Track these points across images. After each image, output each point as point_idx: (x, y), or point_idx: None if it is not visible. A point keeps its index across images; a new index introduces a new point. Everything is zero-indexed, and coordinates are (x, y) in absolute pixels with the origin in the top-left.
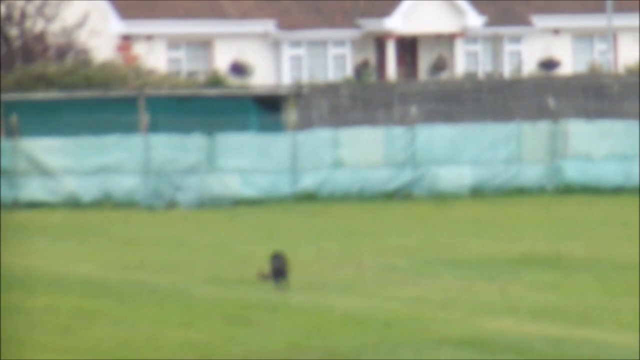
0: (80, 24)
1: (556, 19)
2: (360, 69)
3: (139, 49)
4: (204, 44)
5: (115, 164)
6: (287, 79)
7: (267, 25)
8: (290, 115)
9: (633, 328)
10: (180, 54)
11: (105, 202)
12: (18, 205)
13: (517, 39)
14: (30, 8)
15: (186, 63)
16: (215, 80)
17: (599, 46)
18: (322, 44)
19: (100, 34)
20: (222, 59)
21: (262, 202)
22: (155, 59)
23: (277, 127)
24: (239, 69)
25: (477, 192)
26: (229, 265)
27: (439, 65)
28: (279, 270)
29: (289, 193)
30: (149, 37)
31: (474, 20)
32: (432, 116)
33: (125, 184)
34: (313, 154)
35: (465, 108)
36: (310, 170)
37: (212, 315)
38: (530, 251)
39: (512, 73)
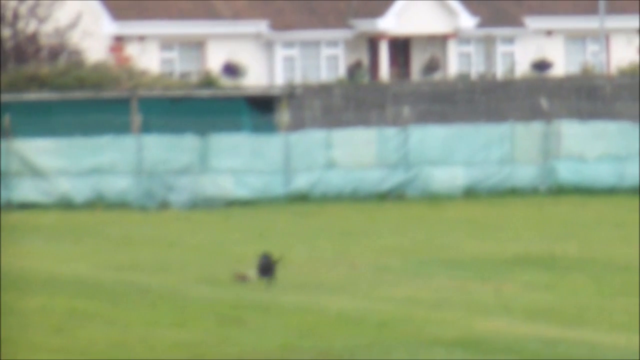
0: (73, 24)
1: (549, 20)
2: (353, 70)
3: (131, 50)
4: (197, 45)
5: (108, 164)
6: (279, 79)
7: (260, 26)
8: (283, 115)
9: (627, 328)
10: (173, 54)
11: (98, 203)
12: (11, 206)
13: (509, 40)
14: (23, 9)
15: (179, 64)
16: (208, 81)
17: (592, 47)
18: (315, 44)
19: (93, 35)
20: (214, 60)
21: (255, 202)
22: (148, 59)
23: (270, 127)
24: (231, 69)
25: (471, 193)
26: (222, 265)
27: (432, 66)
28: (265, 267)
29: (282, 193)
30: (142, 38)
31: (467, 21)
32: (425, 117)
33: (118, 184)
34: (306, 154)
35: (458, 109)
36: (303, 170)
37: (205, 315)
38: (523, 251)
39: (505, 74)
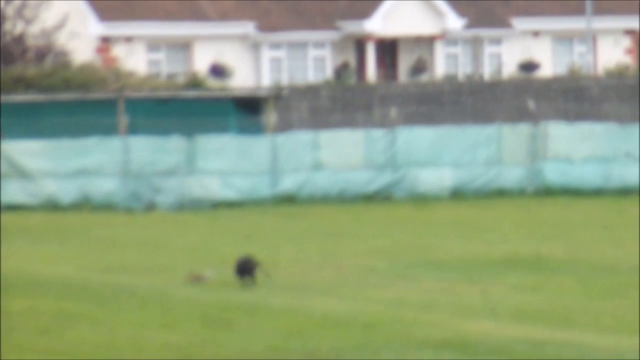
0: (60, 25)
1: (536, 21)
2: (340, 71)
3: (118, 51)
4: (184, 46)
5: (94, 166)
6: (266, 80)
7: (247, 27)
8: (270, 117)
9: (614, 330)
10: (160, 55)
11: (85, 205)
12: None
13: (497, 41)
14: (10, 10)
15: (166, 65)
16: (194, 82)
17: (579, 48)
18: (302, 45)
19: (80, 36)
20: (201, 61)
21: (241, 204)
22: (135, 60)
23: (256, 129)
24: (218, 70)
25: (458, 194)
26: (209, 267)
27: (419, 67)
28: (242, 268)
29: (268, 195)
30: (129, 39)
31: (454, 22)
32: (412, 118)
33: (105, 186)
34: (293, 155)
35: (446, 110)
36: (290, 172)
37: (192, 317)
38: (511, 253)
39: (492, 75)
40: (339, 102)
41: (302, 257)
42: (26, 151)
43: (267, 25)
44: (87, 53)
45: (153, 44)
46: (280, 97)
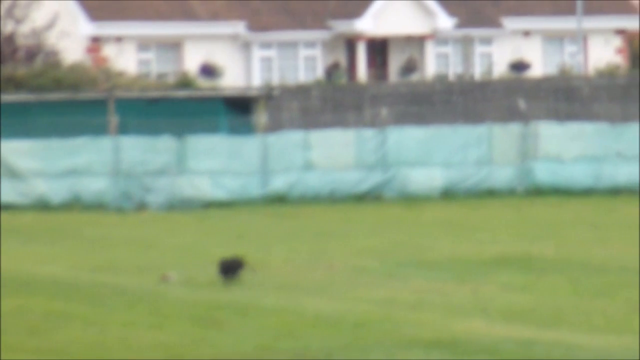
0: (50, 25)
1: (526, 21)
2: (331, 71)
3: (108, 51)
4: (174, 46)
5: (84, 166)
6: (257, 80)
7: (237, 27)
8: (261, 117)
9: (603, 329)
10: (150, 55)
11: (75, 204)
12: None
13: (487, 41)
14: None
15: (156, 65)
16: (185, 82)
17: (569, 48)
18: (293, 45)
19: (70, 36)
20: (192, 61)
21: (232, 204)
22: (125, 60)
23: (247, 129)
24: (209, 70)
25: (448, 194)
26: (199, 267)
27: (410, 67)
28: (225, 267)
29: (259, 195)
30: (119, 39)
31: (445, 22)
32: (402, 118)
33: (95, 186)
34: (283, 155)
35: (436, 110)
36: (280, 172)
37: (182, 317)
38: (501, 253)
39: (483, 75)
40: (330, 102)
41: (293, 257)
42: (16, 151)
43: (257, 25)
44: (77, 53)
45: (143, 44)
46: (270, 97)
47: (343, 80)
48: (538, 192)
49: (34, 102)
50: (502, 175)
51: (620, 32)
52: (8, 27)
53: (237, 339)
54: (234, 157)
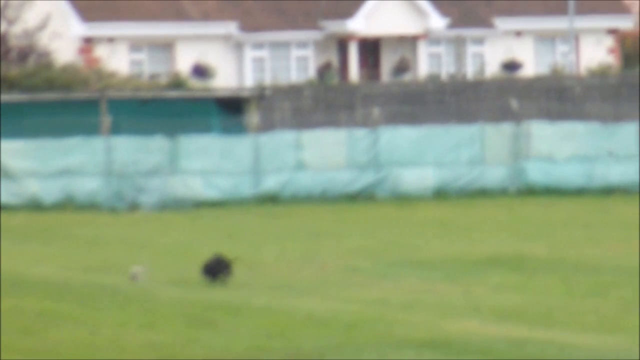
0: (42, 26)
1: (518, 21)
2: (323, 71)
3: (100, 51)
4: (166, 46)
5: (77, 166)
6: (249, 80)
7: (229, 27)
8: (253, 117)
9: (596, 329)
10: (142, 56)
11: (68, 204)
12: None
13: (479, 41)
14: None
15: (148, 65)
16: (177, 83)
17: (561, 48)
18: (285, 45)
19: (62, 36)
20: (184, 61)
21: (224, 203)
22: (117, 61)
23: (239, 129)
24: (201, 71)
25: (440, 194)
26: (192, 267)
27: (402, 67)
28: (209, 268)
29: (251, 195)
30: (111, 40)
31: (437, 22)
32: (395, 118)
33: (87, 186)
34: (275, 155)
35: (428, 110)
36: (272, 172)
37: (174, 317)
38: (493, 252)
39: (475, 75)
40: (322, 102)
41: (285, 257)
42: (9, 151)
43: (249, 25)
44: (70, 53)
45: (135, 45)
46: (262, 97)
47: (335, 80)
48: (530, 191)
49: (26, 103)
50: (495, 175)
51: (612, 31)
52: (0, 27)
53: (230, 339)
54: (226, 157)
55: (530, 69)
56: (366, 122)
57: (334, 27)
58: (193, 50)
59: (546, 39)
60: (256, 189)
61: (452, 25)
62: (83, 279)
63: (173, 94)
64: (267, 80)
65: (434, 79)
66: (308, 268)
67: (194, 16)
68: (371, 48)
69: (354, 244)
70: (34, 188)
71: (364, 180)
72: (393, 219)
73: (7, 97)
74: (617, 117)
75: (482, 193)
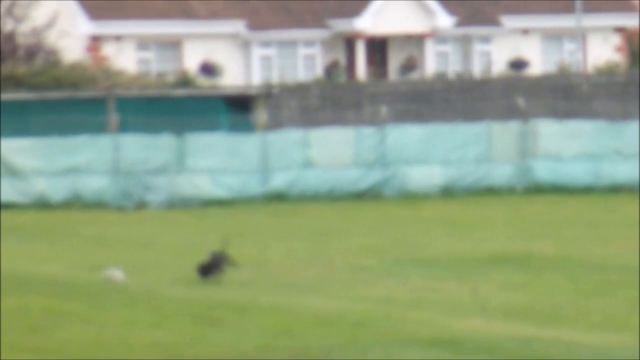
0: (50, 24)
1: (525, 20)
2: (330, 69)
3: (108, 50)
4: (174, 45)
5: (84, 164)
6: (257, 79)
7: (237, 26)
8: (260, 115)
9: (603, 328)
10: (150, 54)
11: (75, 203)
12: None
13: (486, 39)
14: None
15: (155, 63)
16: (184, 81)
17: (568, 46)
18: (292, 44)
19: (70, 35)
20: (191, 60)
21: (231, 202)
22: (125, 59)
23: (247, 127)
24: (208, 69)
25: (447, 192)
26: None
27: (409, 66)
28: (204, 268)
29: (258, 193)
30: (118, 38)
31: (444, 20)
32: (402, 116)
33: (95, 184)
34: (283, 154)
35: (435, 108)
36: (280, 170)
37: (182, 315)
38: (500, 251)
39: (482, 73)
40: (329, 101)
41: (292, 255)
42: (16, 149)
43: (257, 23)
44: (77, 52)
45: (143, 43)
46: (270, 95)
47: (342, 78)
48: (537, 190)
49: (33, 101)
50: (502, 173)
51: (619, 30)
52: (8, 25)
53: (237, 337)
54: (234, 156)
55: (537, 67)
56: (373, 121)
57: (342, 25)
58: (201, 48)
59: (553, 37)
60: (263, 187)
61: (459, 23)
62: (90, 278)
63: (181, 92)
64: (275, 78)
65: (441, 77)
66: (315, 266)
67: (202, 15)
68: (378, 46)
69: (361, 242)
70: (41, 186)
71: (371, 178)
72: (400, 217)
73: (15, 95)
74: (625, 116)
75: (489, 191)
